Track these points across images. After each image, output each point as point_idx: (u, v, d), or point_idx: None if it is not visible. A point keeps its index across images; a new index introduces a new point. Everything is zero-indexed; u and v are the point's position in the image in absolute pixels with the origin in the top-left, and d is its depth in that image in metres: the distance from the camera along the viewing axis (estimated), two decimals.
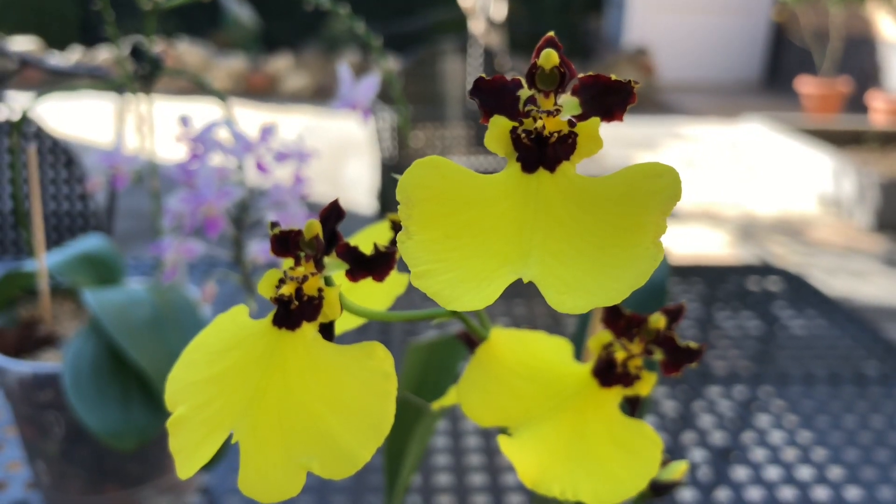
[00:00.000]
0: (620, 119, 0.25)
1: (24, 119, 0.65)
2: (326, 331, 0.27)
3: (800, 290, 1.18)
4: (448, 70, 2.30)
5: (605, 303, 0.22)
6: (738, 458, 0.77)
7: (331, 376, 0.25)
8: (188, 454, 0.26)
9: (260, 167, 0.62)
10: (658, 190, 0.24)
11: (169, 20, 6.99)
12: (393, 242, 0.32)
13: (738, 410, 0.85)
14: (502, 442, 0.28)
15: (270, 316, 0.27)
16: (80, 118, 5.09)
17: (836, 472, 0.74)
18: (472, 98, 0.25)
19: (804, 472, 0.74)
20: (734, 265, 1.32)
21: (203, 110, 4.12)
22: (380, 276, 0.26)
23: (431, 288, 0.23)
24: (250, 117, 5.11)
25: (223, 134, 0.62)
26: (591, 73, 0.25)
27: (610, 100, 0.25)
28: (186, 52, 6.54)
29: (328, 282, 0.26)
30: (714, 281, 1.22)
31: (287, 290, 0.26)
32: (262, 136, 0.62)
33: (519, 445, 0.28)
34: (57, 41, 6.84)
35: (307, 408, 0.25)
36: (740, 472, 0.74)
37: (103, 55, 6.39)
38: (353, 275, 0.26)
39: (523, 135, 0.25)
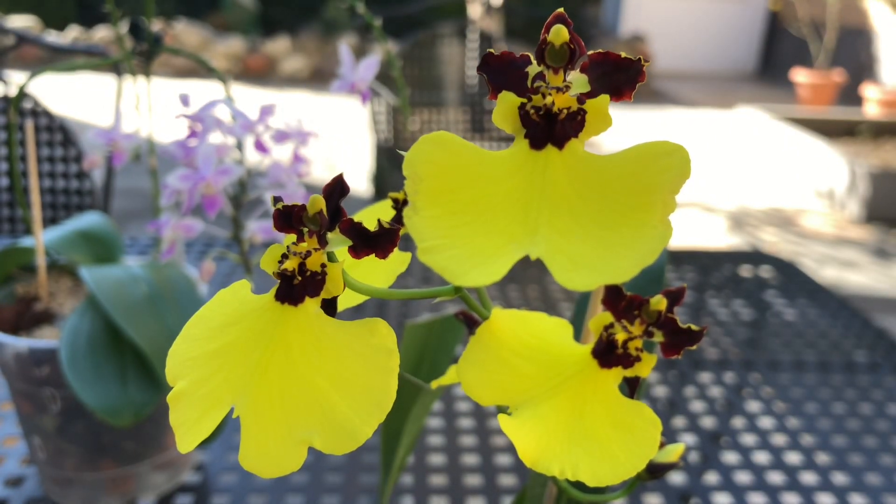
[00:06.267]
0: (629, 98, 0.25)
1: (21, 95, 0.64)
2: (329, 306, 0.27)
3: (792, 278, 1.19)
4: (446, 54, 2.29)
5: (612, 280, 0.22)
6: (727, 442, 0.78)
7: (333, 352, 0.25)
8: (188, 428, 0.26)
9: (259, 146, 0.62)
10: (667, 168, 0.24)
11: (167, 1, 6.93)
12: (397, 220, 0.32)
13: (729, 396, 0.86)
14: (502, 421, 0.28)
15: (273, 291, 0.27)
16: (77, 98, 5.06)
17: (823, 458, 0.75)
18: (480, 74, 0.25)
19: (793, 458, 0.75)
20: (727, 252, 1.32)
21: (201, 91, 4.10)
22: (383, 252, 0.26)
23: (438, 263, 0.23)
24: (247, 99, 5.09)
25: (222, 113, 0.62)
26: (600, 50, 0.25)
27: (619, 78, 0.25)
28: (184, 32, 6.50)
29: (331, 258, 0.26)
30: (707, 268, 1.23)
31: (290, 264, 0.26)
32: (261, 116, 0.62)
33: (519, 425, 0.28)
34: (55, 20, 6.78)
35: (309, 383, 0.25)
36: (730, 457, 0.75)
37: (101, 34, 6.34)
38: (357, 251, 0.26)
39: (532, 111, 0.25)
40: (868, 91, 5.05)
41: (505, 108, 0.26)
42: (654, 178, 0.24)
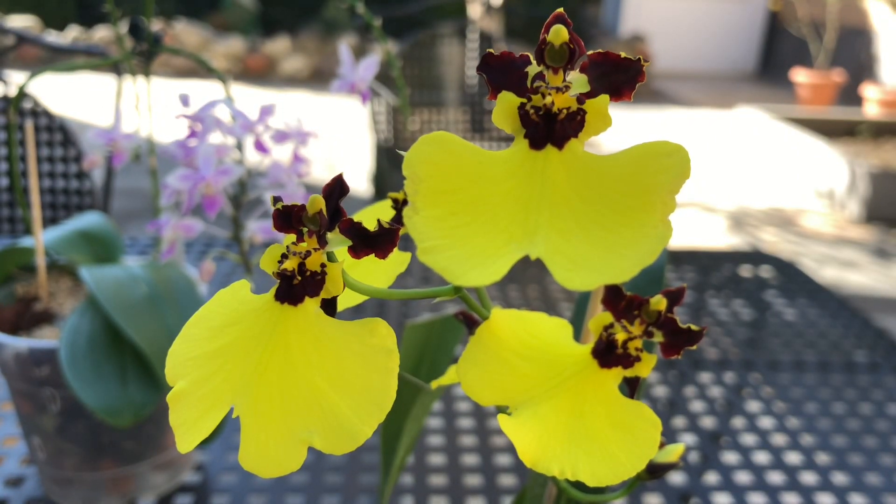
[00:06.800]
0: (629, 98, 0.25)
1: (21, 95, 0.64)
2: (328, 306, 0.27)
3: (792, 278, 1.19)
4: (446, 54, 2.29)
5: (612, 280, 0.23)
6: (727, 442, 0.78)
7: (333, 351, 0.25)
8: (188, 428, 0.26)
9: (259, 146, 0.62)
10: (666, 168, 0.24)
11: (167, 1, 6.93)
12: (396, 220, 0.32)
13: (729, 396, 0.86)
14: (502, 421, 0.28)
15: (272, 291, 0.27)
16: (77, 98, 5.06)
17: (823, 458, 0.75)
18: (479, 74, 0.25)
19: (792, 458, 0.75)
20: (727, 252, 1.32)
21: (201, 91, 4.10)
22: (383, 252, 0.26)
23: (438, 263, 0.23)
24: (247, 99, 5.09)
25: (222, 113, 0.62)
26: (600, 50, 0.25)
27: (618, 78, 0.25)
28: (184, 32, 6.50)
29: (331, 258, 0.26)
30: (707, 268, 1.23)
31: (290, 264, 0.26)
32: (260, 116, 0.62)
33: (518, 425, 0.28)
34: (55, 20, 6.78)
35: (309, 382, 0.25)
36: (730, 457, 0.75)
37: (101, 34, 6.34)
38: (356, 251, 0.26)
39: (532, 111, 0.25)
40: (868, 91, 5.05)
41: (504, 108, 0.26)
42: (653, 178, 0.24)
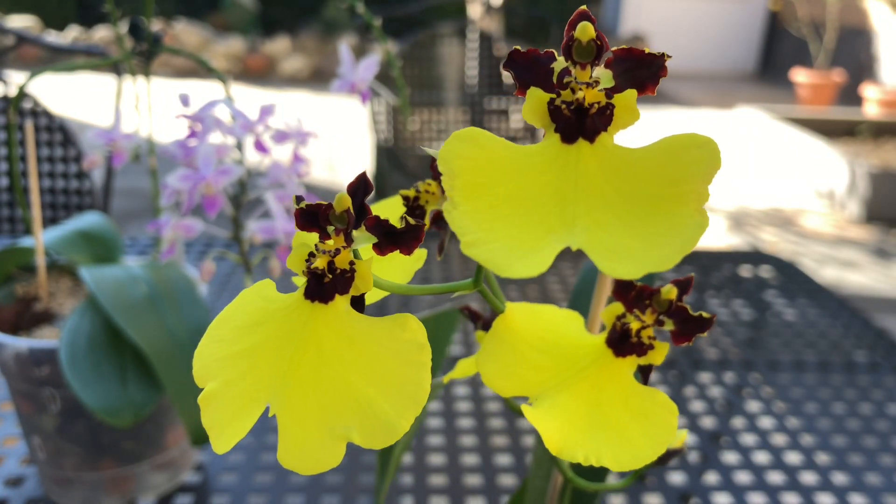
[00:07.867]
0: (652, 92, 0.25)
1: (21, 95, 0.64)
2: (357, 303, 0.27)
3: (792, 278, 1.19)
4: (446, 54, 2.29)
5: (655, 269, 0.23)
6: (727, 442, 0.78)
7: (366, 347, 0.26)
8: (222, 429, 0.26)
9: (259, 146, 0.61)
10: (698, 160, 0.24)
11: (167, 1, 6.93)
12: (418, 216, 0.32)
13: (729, 396, 0.86)
14: (527, 412, 0.29)
15: (301, 290, 0.27)
16: (77, 98, 5.06)
17: (823, 458, 0.75)
18: (506, 70, 0.26)
19: (792, 458, 0.75)
20: (727, 252, 1.32)
21: (201, 91, 4.11)
22: (408, 249, 0.26)
23: (483, 256, 0.23)
24: (247, 99, 5.09)
25: (222, 113, 0.62)
26: (623, 46, 0.25)
27: (642, 73, 0.25)
28: (184, 32, 6.50)
29: (356, 255, 0.27)
30: (707, 268, 1.23)
31: (320, 263, 0.26)
32: (260, 116, 0.62)
33: (542, 414, 0.29)
34: (55, 20, 6.79)
35: (344, 379, 0.25)
36: (730, 457, 0.75)
37: (101, 34, 6.34)
38: (382, 248, 0.26)
39: (563, 106, 0.26)
40: (868, 91, 5.05)
41: (534, 104, 0.26)
42: (685, 169, 0.24)
